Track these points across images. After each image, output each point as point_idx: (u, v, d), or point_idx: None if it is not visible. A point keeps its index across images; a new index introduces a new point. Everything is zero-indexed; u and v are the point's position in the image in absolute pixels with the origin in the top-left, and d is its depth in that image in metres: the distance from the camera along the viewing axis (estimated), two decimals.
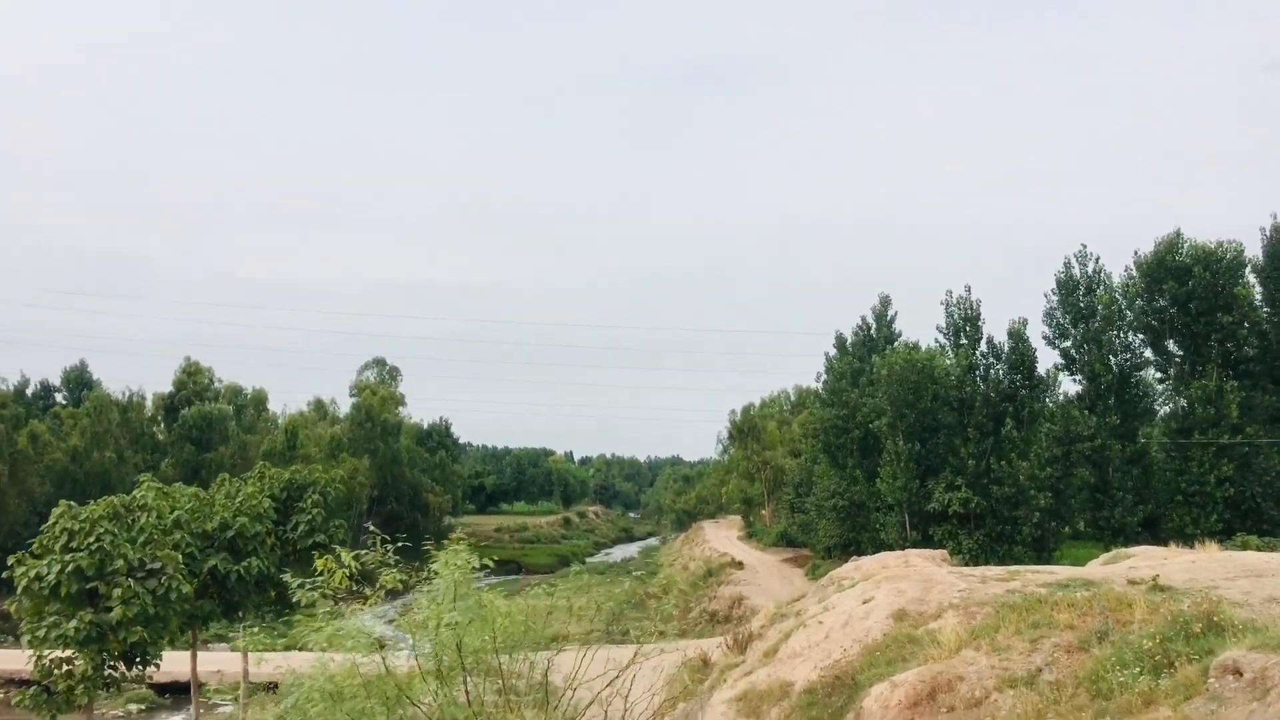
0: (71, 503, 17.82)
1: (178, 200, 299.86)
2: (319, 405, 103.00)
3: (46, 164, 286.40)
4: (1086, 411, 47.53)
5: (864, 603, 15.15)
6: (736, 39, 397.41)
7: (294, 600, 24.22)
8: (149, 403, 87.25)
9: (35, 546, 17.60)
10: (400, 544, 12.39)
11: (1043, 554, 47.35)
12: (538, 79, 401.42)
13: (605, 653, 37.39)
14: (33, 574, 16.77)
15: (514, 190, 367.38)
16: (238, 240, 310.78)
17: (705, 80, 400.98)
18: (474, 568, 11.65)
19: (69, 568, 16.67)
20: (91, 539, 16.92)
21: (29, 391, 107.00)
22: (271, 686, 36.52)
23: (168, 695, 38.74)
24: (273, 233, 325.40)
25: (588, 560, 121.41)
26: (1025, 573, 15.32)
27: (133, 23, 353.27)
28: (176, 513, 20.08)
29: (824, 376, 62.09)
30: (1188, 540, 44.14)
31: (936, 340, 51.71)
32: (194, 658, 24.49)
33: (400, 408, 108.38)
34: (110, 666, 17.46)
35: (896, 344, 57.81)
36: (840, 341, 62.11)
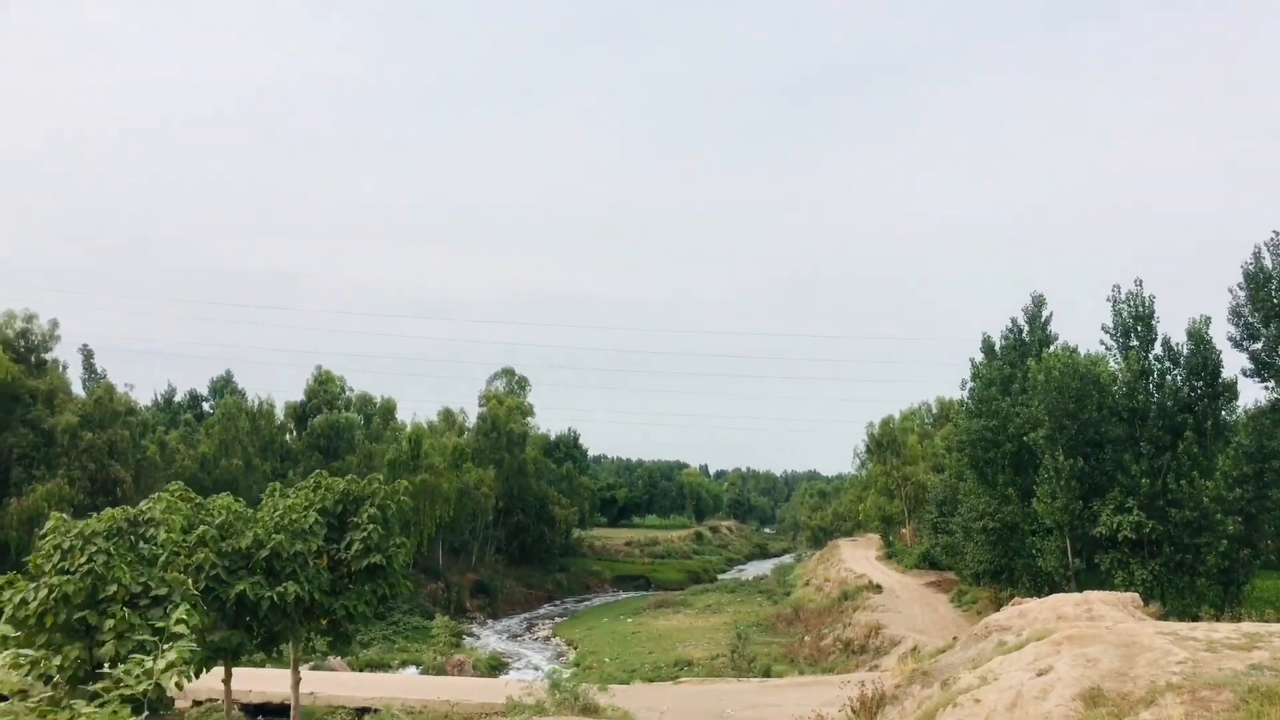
0: (64, 515, 15.23)
1: (325, 220, 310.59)
2: (447, 415, 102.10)
3: (205, 187, 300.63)
4: None
5: (1039, 674, 11.00)
6: (872, 43, 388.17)
7: (348, 633, 21.57)
8: (279, 411, 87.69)
9: (30, 565, 15.10)
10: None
11: (1230, 587, 41.37)
12: (669, 91, 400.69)
13: (720, 689, 32.81)
14: (18, 599, 14.19)
15: (650, 201, 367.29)
16: (381, 256, 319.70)
17: (839, 87, 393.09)
18: None
19: (54, 593, 14.01)
20: (83, 559, 14.26)
21: (176, 400, 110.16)
22: (361, 711, 34.20)
23: (259, 717, 36.75)
24: (414, 249, 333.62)
25: (719, 577, 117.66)
26: (1273, 637, 10.92)
27: (280, 56, 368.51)
28: (202, 529, 17.39)
29: (970, 384, 56.44)
30: None
31: (1102, 343, 45.98)
32: (295, 675, 21.85)
33: (528, 418, 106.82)
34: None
35: (1053, 347, 52.04)
36: (988, 345, 56.35)
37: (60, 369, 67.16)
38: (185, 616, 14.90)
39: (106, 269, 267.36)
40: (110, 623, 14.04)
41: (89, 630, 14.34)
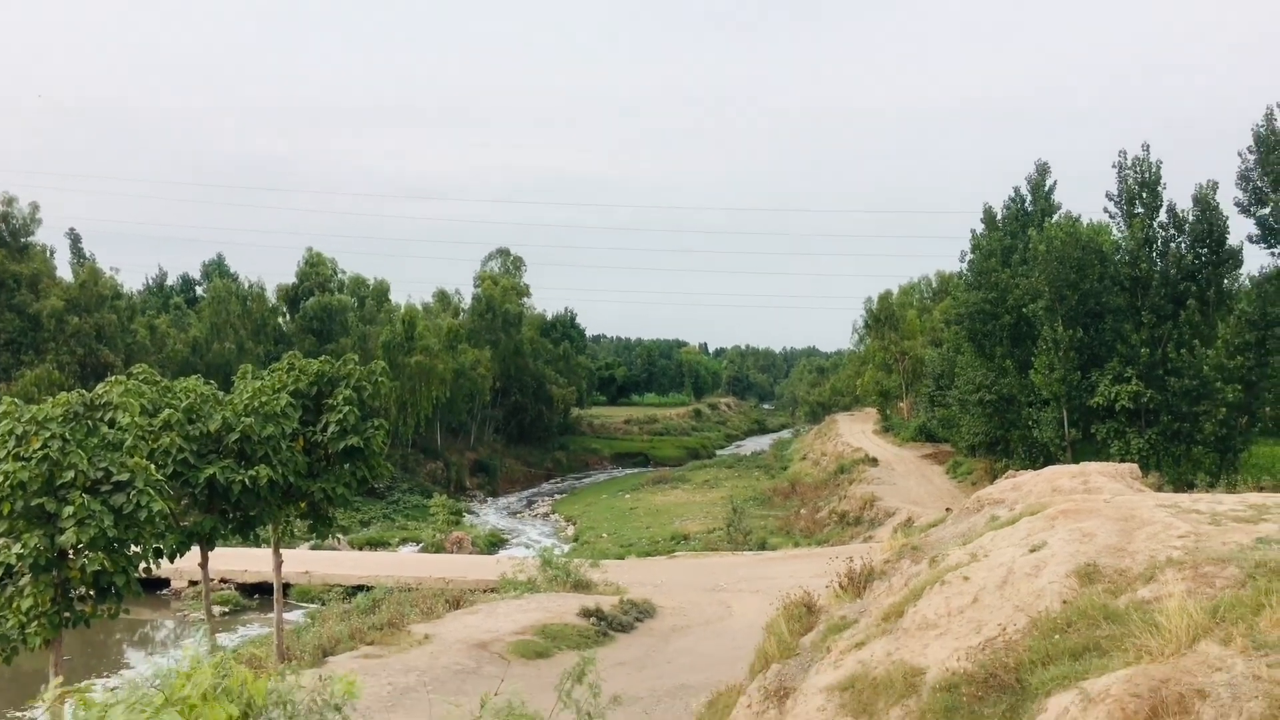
0: (16, 399, 14.57)
1: (312, 102, 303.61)
2: (442, 296, 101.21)
3: (187, 65, 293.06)
4: None
5: (1031, 550, 10.47)
6: None
7: (328, 515, 21.22)
8: (271, 294, 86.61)
9: None
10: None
11: (1227, 454, 41.27)
12: None
13: (715, 562, 32.79)
14: None
15: (646, 79, 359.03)
16: (368, 139, 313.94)
17: None
18: None
19: (9, 480, 13.46)
20: (38, 445, 13.65)
21: (167, 284, 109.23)
22: (356, 589, 34.32)
23: (255, 596, 37.08)
24: (405, 131, 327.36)
25: (718, 453, 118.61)
26: None
27: None
28: (167, 412, 16.79)
29: (969, 256, 55.29)
30: None
31: (1106, 210, 44.79)
32: (276, 558, 21.53)
33: (524, 298, 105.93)
34: (79, 599, 14.35)
35: (1056, 217, 50.82)
36: (989, 216, 54.97)
37: (46, 253, 65.97)
38: (158, 504, 14.49)
39: (95, 151, 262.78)
40: (70, 509, 13.55)
41: (49, 517, 13.87)
